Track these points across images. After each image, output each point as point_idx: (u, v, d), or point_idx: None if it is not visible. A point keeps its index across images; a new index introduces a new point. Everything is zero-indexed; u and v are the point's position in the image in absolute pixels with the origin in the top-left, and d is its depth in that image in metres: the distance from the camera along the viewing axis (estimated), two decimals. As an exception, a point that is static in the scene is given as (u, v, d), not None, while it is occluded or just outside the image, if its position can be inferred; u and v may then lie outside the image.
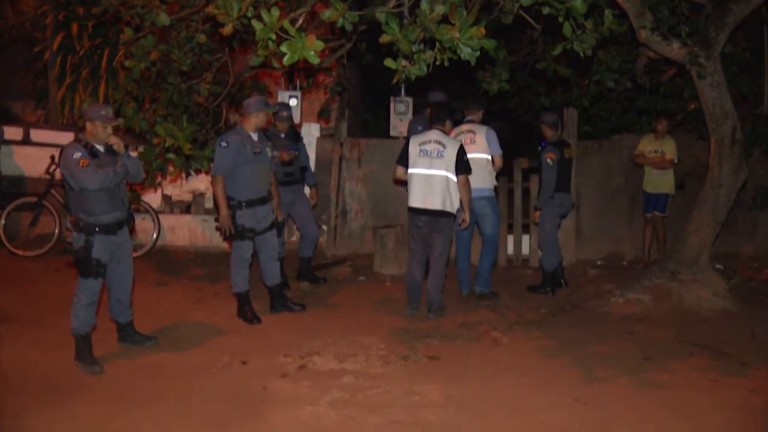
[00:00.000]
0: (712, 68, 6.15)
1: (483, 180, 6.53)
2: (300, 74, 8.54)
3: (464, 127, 6.76)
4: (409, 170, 6.04)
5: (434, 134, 6.04)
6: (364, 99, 11.77)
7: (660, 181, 7.88)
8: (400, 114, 8.35)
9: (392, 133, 8.48)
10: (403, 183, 6.30)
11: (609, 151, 8.46)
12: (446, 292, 6.38)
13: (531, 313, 6.22)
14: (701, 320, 5.85)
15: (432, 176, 5.93)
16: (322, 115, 9.02)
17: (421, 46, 4.50)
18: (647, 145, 7.89)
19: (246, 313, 5.87)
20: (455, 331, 5.70)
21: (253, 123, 5.79)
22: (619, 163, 8.46)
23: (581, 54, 5.39)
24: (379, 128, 9.90)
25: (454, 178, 5.92)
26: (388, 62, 4.51)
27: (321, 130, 8.75)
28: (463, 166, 5.93)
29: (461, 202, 6.02)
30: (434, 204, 5.93)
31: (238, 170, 5.67)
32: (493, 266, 6.86)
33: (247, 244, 5.83)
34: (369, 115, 12.02)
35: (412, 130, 7.21)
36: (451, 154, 5.91)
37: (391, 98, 8.50)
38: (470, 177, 6.07)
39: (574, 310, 6.25)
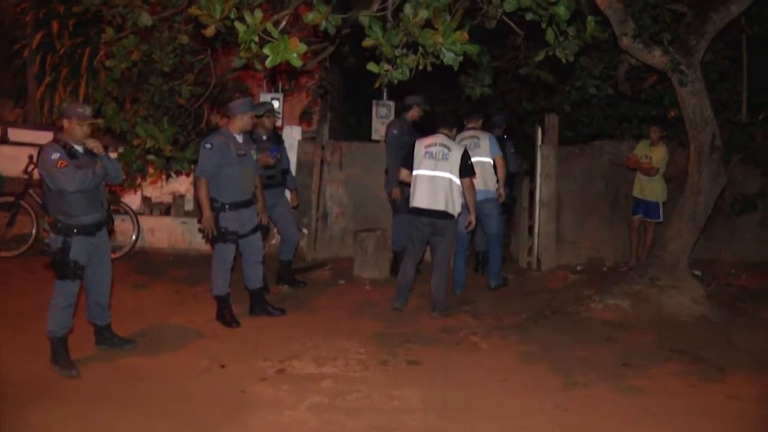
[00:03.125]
0: (692, 76, 6.21)
1: (487, 182, 6.99)
2: (282, 76, 8.53)
3: (468, 133, 7.13)
4: (414, 171, 6.24)
5: (440, 138, 6.26)
6: (346, 102, 11.77)
7: (644, 187, 7.90)
8: (383, 118, 8.38)
9: (374, 136, 8.50)
10: (407, 184, 6.50)
11: (590, 156, 8.50)
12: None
13: (511, 318, 6.24)
14: (680, 326, 5.91)
15: (436, 178, 6.12)
16: (304, 118, 9.01)
17: (404, 50, 4.51)
18: (641, 150, 7.93)
19: (225, 316, 5.84)
20: (435, 335, 5.71)
21: (238, 125, 5.76)
22: (600, 168, 8.50)
23: (564, 60, 5.42)
24: (362, 131, 9.89)
25: (458, 181, 6.12)
26: (371, 66, 4.52)
27: (303, 132, 8.73)
28: (467, 169, 6.15)
29: (464, 206, 6.26)
30: (437, 204, 6.10)
31: (223, 172, 5.64)
32: (503, 261, 7.33)
33: (230, 247, 5.80)
34: (351, 118, 12.01)
35: (389, 134, 7.26)
36: (456, 157, 6.13)
37: (374, 102, 8.52)
38: (477, 180, 6.49)
39: (554, 315, 6.28)
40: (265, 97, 8.05)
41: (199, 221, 5.76)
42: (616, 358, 5.18)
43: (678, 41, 6.25)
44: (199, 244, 8.00)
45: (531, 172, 8.53)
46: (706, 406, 4.40)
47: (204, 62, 6.80)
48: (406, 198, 7.16)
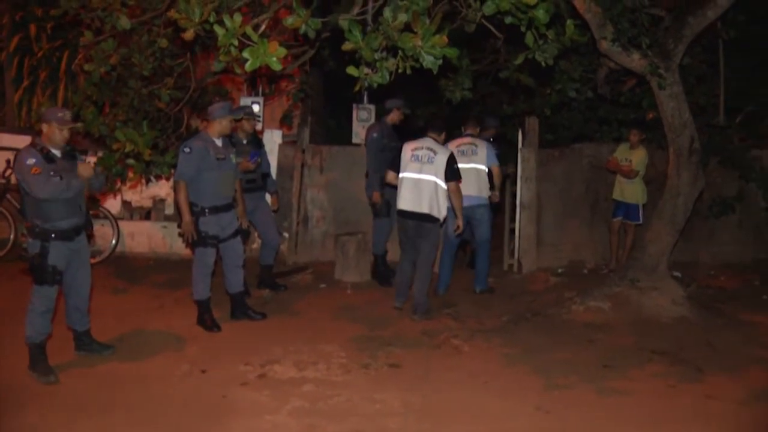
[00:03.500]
0: (671, 79, 6.26)
1: (481, 189, 7.06)
2: (262, 80, 8.50)
3: (466, 139, 7.18)
4: (400, 174, 6.29)
5: (427, 141, 6.30)
6: (326, 106, 11.76)
7: (624, 190, 7.94)
8: (363, 121, 8.38)
9: (355, 140, 8.50)
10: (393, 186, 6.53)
11: (570, 159, 8.55)
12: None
13: (492, 320, 6.26)
14: (660, 327, 5.95)
15: (421, 180, 6.16)
16: (285, 122, 8.98)
17: (384, 53, 4.52)
18: (621, 153, 7.95)
19: (206, 320, 5.82)
20: (416, 338, 5.72)
21: (217, 129, 5.74)
22: (580, 171, 8.55)
23: (543, 63, 5.46)
24: (342, 135, 9.89)
25: (443, 185, 6.13)
26: (351, 70, 4.52)
27: (283, 136, 8.71)
28: (452, 173, 6.16)
29: (450, 210, 6.32)
30: (421, 207, 6.15)
31: (202, 176, 5.62)
32: (489, 266, 7.37)
33: (210, 252, 5.77)
34: (332, 122, 12.00)
35: (369, 137, 7.27)
36: (441, 160, 6.15)
37: (354, 105, 8.52)
38: (471, 185, 6.80)
39: (535, 317, 6.30)
40: (245, 100, 8.03)
41: (179, 226, 5.73)
42: (596, 360, 5.22)
43: (656, 45, 6.30)
44: (180, 248, 7.95)
45: (511, 175, 8.57)
46: (686, 406, 4.44)
47: (183, 66, 6.78)
48: (387, 201, 7.19)
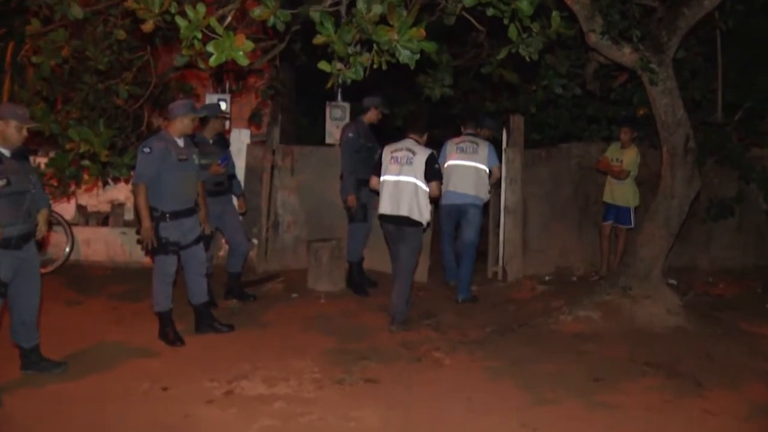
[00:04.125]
0: (664, 74, 6.28)
1: (478, 189, 7.36)
2: (229, 76, 8.49)
3: (467, 138, 7.45)
4: (381, 177, 6.39)
5: (407, 142, 6.39)
6: (298, 103, 11.75)
7: (615, 191, 7.96)
8: (337, 120, 8.38)
9: (328, 140, 8.51)
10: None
11: (557, 159, 8.60)
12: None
13: (475, 331, 6.28)
14: (654, 338, 5.97)
15: (400, 182, 6.24)
16: (253, 121, 8.97)
17: (358, 48, 4.52)
18: (611, 153, 7.98)
19: (168, 334, 5.77)
20: (394, 351, 5.71)
21: (178, 128, 5.71)
22: (568, 172, 8.60)
23: (528, 58, 5.48)
24: (315, 135, 9.88)
25: (424, 187, 6.18)
26: (323, 65, 4.52)
27: (252, 136, 8.68)
28: (432, 173, 6.22)
29: (443, 207, 6.86)
30: (401, 210, 6.23)
31: (163, 179, 5.58)
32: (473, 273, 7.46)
33: (171, 259, 5.74)
34: (304, 120, 11.99)
35: (344, 137, 7.27)
36: (420, 160, 6.21)
37: (327, 103, 8.51)
38: (468, 184, 7.25)
39: (520, 328, 6.32)
40: (210, 98, 8.00)
41: (138, 232, 5.68)
42: (587, 373, 5.23)
43: (648, 38, 6.33)
44: (140, 256, 7.89)
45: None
46: (683, 422, 4.46)
47: (143, 60, 6.73)
48: (363, 205, 7.20)
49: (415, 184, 6.18)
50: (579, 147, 8.71)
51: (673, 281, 7.23)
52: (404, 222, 6.24)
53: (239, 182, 7.45)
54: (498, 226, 8.43)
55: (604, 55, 6.59)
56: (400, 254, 6.37)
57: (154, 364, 5.32)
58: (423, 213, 6.22)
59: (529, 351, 5.70)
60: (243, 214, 7.36)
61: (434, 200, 6.40)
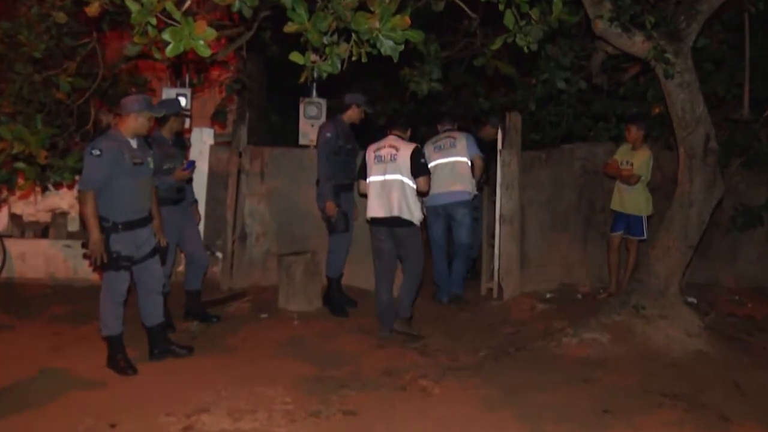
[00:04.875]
0: (681, 65, 6.25)
1: (462, 184, 7.61)
2: (189, 68, 8.45)
3: (443, 134, 7.81)
4: (367, 179, 6.74)
5: (390, 139, 6.71)
6: (268, 100, 11.74)
7: (624, 198, 7.95)
8: (312, 118, 8.37)
9: (302, 140, 8.49)
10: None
11: (559, 162, 8.64)
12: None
13: (467, 356, 6.27)
14: (671, 364, 5.96)
15: (386, 182, 6.57)
16: (217, 119, 8.94)
17: (335, 37, 4.51)
18: (621, 155, 7.97)
19: (118, 361, 5.72)
20: (376, 379, 5.70)
21: (131, 127, 5.66)
22: (572, 177, 8.64)
23: (526, 49, 5.48)
24: (288, 135, 9.88)
25: (412, 183, 6.53)
26: (295, 56, 4.49)
27: (215, 136, 8.67)
28: (419, 169, 6.52)
29: (431, 209, 7.02)
30: (391, 211, 6.55)
31: (114, 185, 5.52)
32: (468, 270, 7.79)
33: (123, 276, 5.68)
34: (276, 118, 11.98)
35: (321, 138, 7.25)
36: (405, 156, 6.54)
37: (301, 100, 8.51)
38: (446, 180, 7.55)
39: (518, 352, 6.33)
40: (168, 92, 7.98)
41: (84, 245, 5.62)
42: (594, 404, 5.22)
43: (664, 24, 6.29)
44: (87, 272, 7.84)
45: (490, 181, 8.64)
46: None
47: (88, 48, 6.68)
48: (344, 213, 7.20)
49: (402, 182, 6.47)
50: (584, 148, 8.76)
51: (692, 299, 7.24)
52: (396, 223, 6.56)
53: (192, 188, 7.39)
54: (492, 237, 8.44)
55: (612, 45, 6.59)
56: (404, 258, 6.74)
57: (101, 396, 5.25)
58: (413, 212, 6.52)
59: (529, 378, 5.69)
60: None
61: (423, 196, 6.67)
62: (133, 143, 5.69)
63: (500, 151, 8.23)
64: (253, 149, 8.51)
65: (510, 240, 8.20)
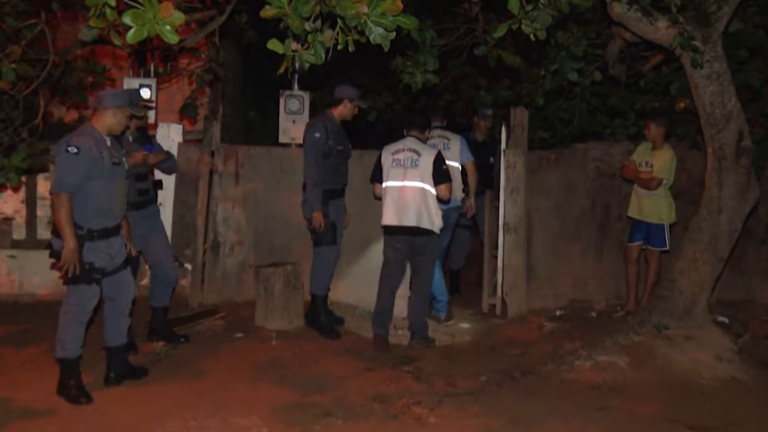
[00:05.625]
0: (711, 53, 6.20)
1: (455, 190, 7.81)
2: (154, 55, 8.43)
3: (435, 132, 7.89)
4: (383, 184, 7.08)
5: (409, 142, 7.04)
6: (245, 92, 11.75)
7: (644, 205, 7.93)
8: (293, 114, 8.38)
9: (282, 138, 8.50)
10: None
11: (571, 164, 8.63)
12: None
13: (467, 380, 6.26)
14: (698, 393, 5.93)
15: (405, 188, 6.92)
16: (186, 113, 8.92)
17: (318, 23, 4.51)
18: (640, 155, 7.95)
19: (70, 388, 5.66)
20: (365, 406, 5.69)
21: (107, 123, 5.66)
22: (585, 180, 8.64)
23: (532, 36, 5.49)
24: (266, 132, 9.88)
25: (432, 190, 6.91)
26: (273, 44, 4.49)
27: (184, 133, 8.65)
28: (441, 175, 6.89)
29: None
30: (409, 220, 6.92)
31: (90, 187, 5.52)
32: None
33: (94, 290, 5.67)
34: (253, 114, 11.99)
35: (308, 137, 7.21)
36: (427, 162, 6.88)
37: (281, 93, 8.50)
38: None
39: (525, 376, 6.32)
40: (130, 83, 7.95)
41: (54, 254, 5.58)
42: (609, 435, 5.23)
43: (691, 6, 6.23)
44: (34, 286, 7.83)
45: (492, 185, 8.65)
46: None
47: (36, 30, 6.65)
48: (332, 224, 7.18)
49: (423, 189, 6.81)
50: (598, 148, 8.74)
51: (723, 319, 7.21)
52: (414, 233, 6.94)
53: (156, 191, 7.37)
54: (495, 247, 8.45)
55: (631, 31, 6.56)
56: (417, 267, 7.12)
57: (50, 428, 5.22)
58: (434, 220, 6.86)
59: (535, 406, 5.69)
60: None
61: (443, 204, 6.99)
62: (108, 141, 5.69)
63: (504, 151, 8.22)
64: (226, 148, 8.50)
65: (515, 251, 8.20)
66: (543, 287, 8.44)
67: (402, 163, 6.93)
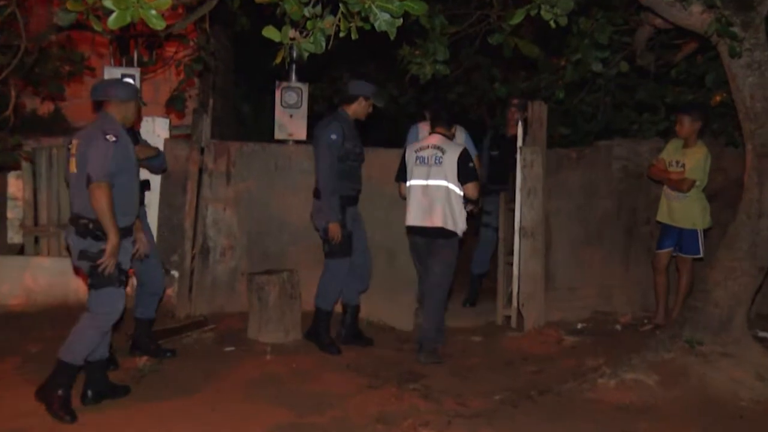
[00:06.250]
0: (751, 41, 6.13)
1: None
2: (138, 43, 8.44)
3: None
4: (407, 183, 7.31)
5: (434, 139, 7.25)
6: (238, 84, 11.77)
7: (674, 208, 7.89)
8: (290, 107, 8.38)
9: (278, 134, 8.49)
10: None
11: (594, 163, 8.65)
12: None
13: (479, 400, 6.24)
14: (737, 416, 5.90)
15: (430, 187, 7.13)
16: (173, 106, 8.93)
17: (318, 8, 4.52)
18: (670, 153, 7.90)
19: (56, 398, 5.57)
20: (367, 427, 5.69)
21: (122, 114, 5.83)
22: (609, 180, 8.65)
23: (552, 23, 5.49)
24: (261, 127, 9.90)
25: (458, 190, 7.11)
26: (269, 32, 4.50)
27: (171, 127, 8.66)
28: (467, 173, 7.10)
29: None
30: (433, 221, 7.11)
31: (119, 181, 5.60)
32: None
33: (123, 294, 5.76)
34: (246, 107, 12.02)
35: (324, 139, 7.15)
36: (451, 159, 7.07)
37: (277, 84, 8.50)
38: None
39: (542, 396, 6.30)
40: (112, 72, 7.94)
41: (86, 255, 5.59)
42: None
43: None
44: (3, 296, 7.84)
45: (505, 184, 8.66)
46: None
47: (6, 13, 6.66)
48: (349, 234, 7.14)
49: (447, 188, 7.08)
50: (624, 145, 8.75)
51: (764, 334, 7.19)
52: (437, 234, 7.12)
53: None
54: (511, 253, 8.46)
55: (662, 17, 6.53)
56: (431, 271, 7.25)
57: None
58: (458, 222, 7.04)
59: (554, 429, 5.69)
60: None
61: (472, 204, 7.22)
62: None
63: (520, 149, 8.24)
64: (217, 144, 8.51)
65: (532, 257, 8.22)
66: (563, 297, 8.45)
67: (426, 160, 7.12)
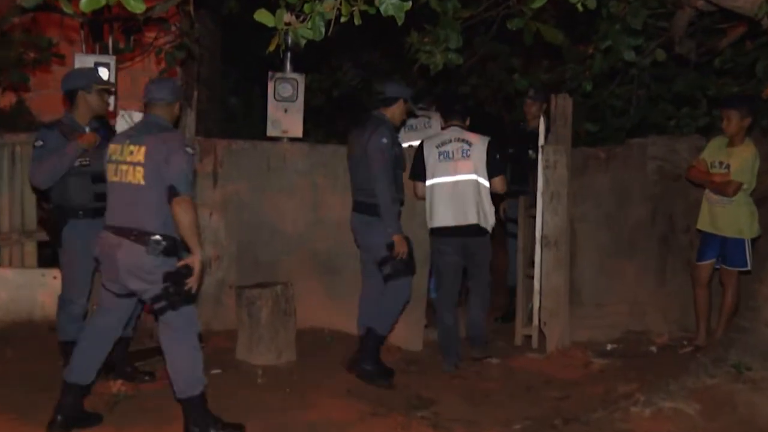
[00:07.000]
0: None
1: None
2: (113, 28, 8.45)
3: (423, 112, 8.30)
4: (428, 182, 7.49)
5: (454, 132, 7.50)
6: (226, 74, 11.78)
7: (717, 215, 7.83)
8: (284, 100, 8.38)
9: (271, 131, 8.49)
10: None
11: (625, 163, 8.63)
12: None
13: (495, 429, 6.24)
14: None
15: (459, 183, 7.39)
16: (154, 99, 8.95)
17: (316, -10, 4.53)
18: (712, 153, 7.85)
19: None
20: (372, 459, 5.71)
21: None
22: (643, 183, 8.64)
23: (579, 6, 5.48)
24: (252, 122, 9.90)
25: (486, 184, 7.41)
26: (261, 16, 4.50)
27: (151, 122, 8.67)
28: (496, 166, 7.45)
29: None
30: (467, 218, 7.39)
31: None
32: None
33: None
34: (234, 100, 12.04)
35: (376, 145, 7.04)
36: (480, 151, 7.39)
37: (270, 75, 8.51)
38: None
39: (567, 425, 6.28)
40: (84, 60, 7.94)
41: (175, 276, 5.60)
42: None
43: None
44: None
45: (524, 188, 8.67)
46: None
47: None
48: (410, 251, 7.08)
49: (477, 182, 7.30)
50: (660, 144, 8.72)
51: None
52: (472, 232, 7.43)
53: None
54: (531, 265, 8.47)
55: (705, -1, 6.55)
56: (473, 274, 7.70)
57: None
58: (489, 217, 7.35)
59: (583, 462, 5.71)
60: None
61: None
62: None
63: (542, 147, 8.24)
64: (202, 141, 8.52)
65: (555, 270, 8.21)
66: (590, 315, 8.44)
67: (451, 155, 7.33)
